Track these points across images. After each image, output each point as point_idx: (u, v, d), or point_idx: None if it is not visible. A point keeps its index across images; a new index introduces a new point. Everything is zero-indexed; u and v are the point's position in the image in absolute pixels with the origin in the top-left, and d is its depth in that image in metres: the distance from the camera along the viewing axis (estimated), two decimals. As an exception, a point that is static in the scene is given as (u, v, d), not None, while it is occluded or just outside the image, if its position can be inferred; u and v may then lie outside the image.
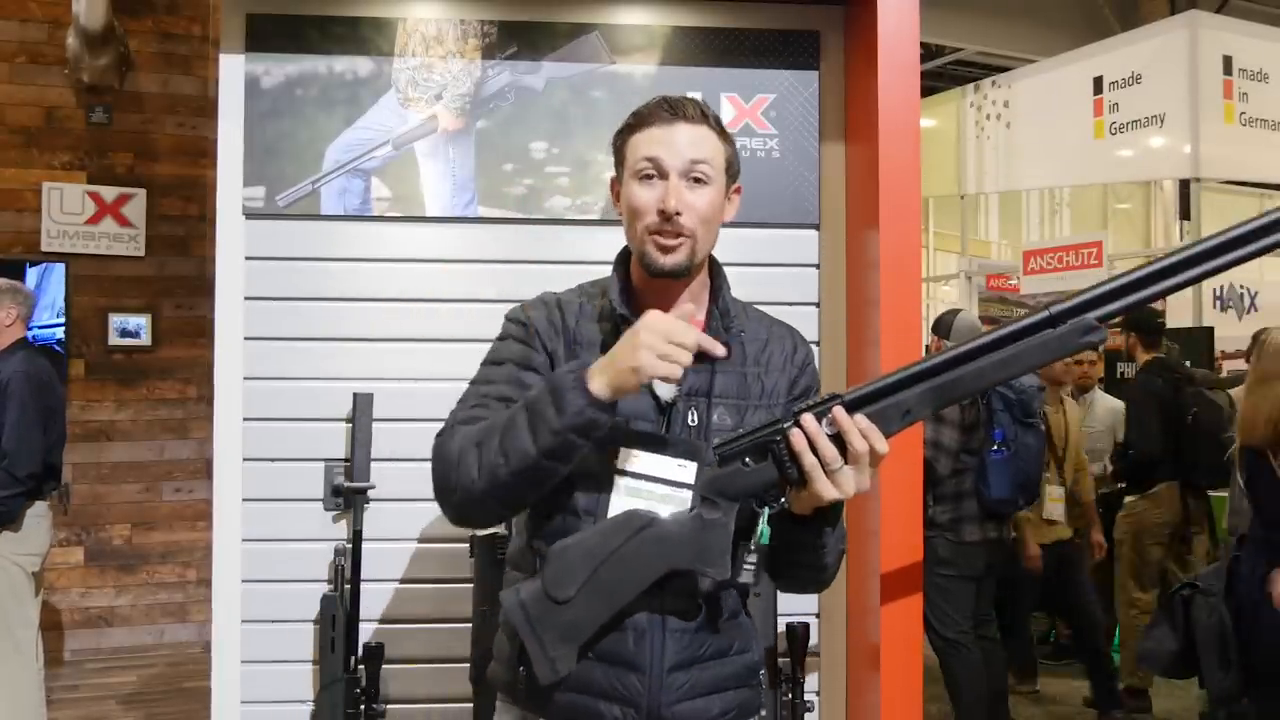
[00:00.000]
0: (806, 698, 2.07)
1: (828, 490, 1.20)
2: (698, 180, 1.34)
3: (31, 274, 4.91)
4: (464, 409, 1.35)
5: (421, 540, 2.16)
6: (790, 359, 1.44)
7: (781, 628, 2.07)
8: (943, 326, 3.82)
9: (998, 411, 3.51)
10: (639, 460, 1.31)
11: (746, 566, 1.27)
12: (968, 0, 8.43)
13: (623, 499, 1.31)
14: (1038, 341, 1.17)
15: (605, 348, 1.33)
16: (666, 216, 1.31)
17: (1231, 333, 6.33)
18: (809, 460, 1.20)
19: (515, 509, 1.36)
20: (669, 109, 1.35)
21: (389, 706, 2.10)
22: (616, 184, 1.42)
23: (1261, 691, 2.74)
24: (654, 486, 1.31)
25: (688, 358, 1.20)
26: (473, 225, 2.20)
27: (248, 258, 2.15)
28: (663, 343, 1.19)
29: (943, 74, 10.00)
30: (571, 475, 1.29)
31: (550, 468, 1.24)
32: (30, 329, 3.74)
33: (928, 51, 9.23)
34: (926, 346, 4.29)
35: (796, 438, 1.20)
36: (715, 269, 1.44)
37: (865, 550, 1.97)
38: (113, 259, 5.11)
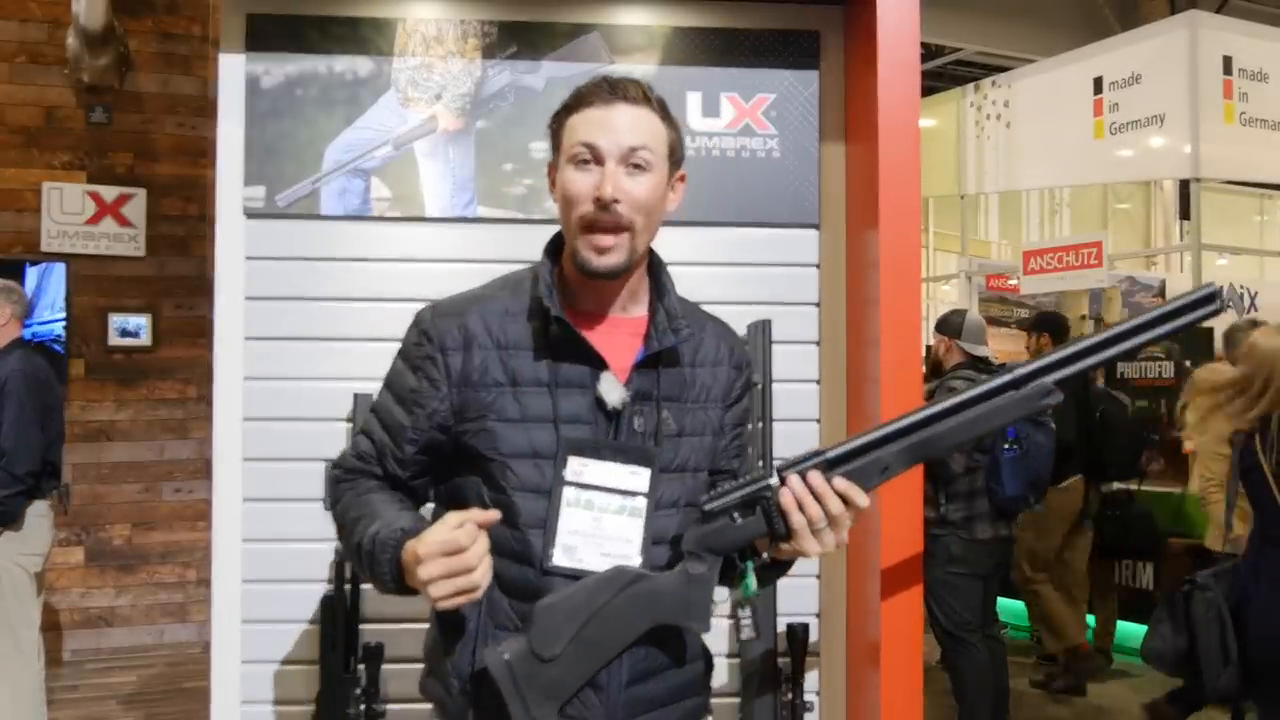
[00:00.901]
0: (806, 698, 2.06)
1: (812, 547, 1.23)
2: (637, 166, 1.26)
3: (32, 274, 4.91)
4: (353, 450, 1.37)
5: (421, 540, 2.15)
6: (727, 359, 1.41)
7: (781, 628, 2.07)
8: (950, 326, 3.82)
9: None
10: (589, 470, 1.27)
11: (744, 623, 1.31)
12: (968, 0, 8.44)
13: (573, 511, 1.26)
14: (1003, 402, 1.26)
15: (535, 349, 1.29)
16: (603, 205, 1.24)
17: (1232, 333, 6.31)
18: (797, 519, 1.22)
19: None
20: (609, 88, 1.27)
21: (389, 706, 2.10)
22: (553, 169, 1.33)
23: (1260, 687, 2.74)
24: (607, 497, 1.27)
25: (478, 571, 1.14)
26: (472, 225, 2.20)
27: (248, 258, 2.15)
28: (441, 568, 1.13)
29: (943, 74, 10.00)
30: (518, 489, 1.27)
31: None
32: (29, 326, 3.74)
33: (928, 51, 9.23)
34: (928, 346, 4.28)
35: (786, 497, 1.22)
36: (658, 266, 1.38)
37: (865, 550, 1.97)
38: (113, 259, 5.11)
